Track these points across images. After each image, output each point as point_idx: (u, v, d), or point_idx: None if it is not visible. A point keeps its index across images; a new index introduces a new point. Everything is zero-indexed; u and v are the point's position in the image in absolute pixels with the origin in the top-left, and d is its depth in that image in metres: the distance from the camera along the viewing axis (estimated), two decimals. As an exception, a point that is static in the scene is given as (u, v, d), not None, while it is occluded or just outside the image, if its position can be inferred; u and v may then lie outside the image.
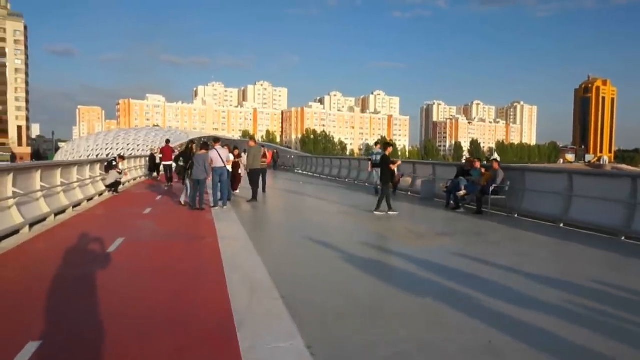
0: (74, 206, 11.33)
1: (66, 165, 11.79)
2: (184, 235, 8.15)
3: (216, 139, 12.30)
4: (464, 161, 13.24)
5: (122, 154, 19.15)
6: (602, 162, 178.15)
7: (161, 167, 23.04)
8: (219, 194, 11.48)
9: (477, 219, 10.27)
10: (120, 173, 16.05)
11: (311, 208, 13.07)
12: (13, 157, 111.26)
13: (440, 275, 5.43)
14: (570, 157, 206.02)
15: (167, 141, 20.10)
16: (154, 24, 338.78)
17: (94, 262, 6.11)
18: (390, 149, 11.91)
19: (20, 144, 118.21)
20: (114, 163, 16.11)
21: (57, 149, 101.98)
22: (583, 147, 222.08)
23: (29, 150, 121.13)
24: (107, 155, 67.72)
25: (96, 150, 67.20)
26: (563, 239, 8.04)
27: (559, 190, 9.89)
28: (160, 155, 21.79)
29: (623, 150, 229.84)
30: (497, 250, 7.20)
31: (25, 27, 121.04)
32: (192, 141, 12.46)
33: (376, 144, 18.98)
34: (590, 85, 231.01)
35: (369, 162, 17.15)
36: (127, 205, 12.79)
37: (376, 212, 10.67)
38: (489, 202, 10.85)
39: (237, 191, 13.85)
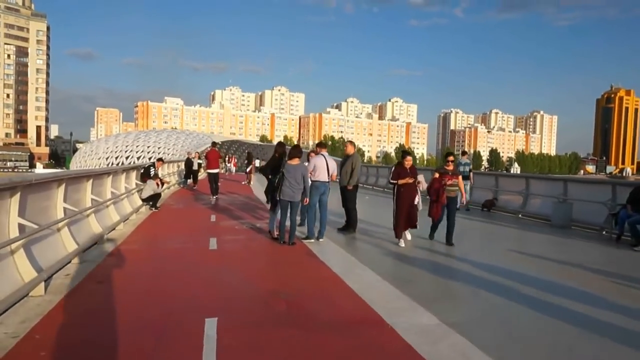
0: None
1: (97, 175, 8.42)
2: (318, 307, 4.58)
3: (321, 144, 8.72)
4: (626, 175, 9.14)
5: (161, 157, 15.60)
6: (624, 174, 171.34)
7: (200, 175, 19.81)
8: (316, 220, 8.02)
9: None
10: (160, 184, 12.71)
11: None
12: (31, 157, 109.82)
13: None
14: (591, 168, 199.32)
15: (214, 144, 16.38)
16: (174, 29, 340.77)
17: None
18: None
19: (38, 144, 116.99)
20: (152, 170, 12.76)
21: (75, 150, 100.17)
22: (604, 158, 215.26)
23: (47, 150, 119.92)
24: (127, 157, 65.11)
25: (115, 152, 64.64)
26: None
27: None
28: (200, 161, 18.50)
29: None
30: None
31: (48, 28, 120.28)
32: (280, 144, 8.66)
33: (463, 153, 15.43)
34: (613, 95, 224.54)
35: None
36: (179, 231, 9.25)
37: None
38: None
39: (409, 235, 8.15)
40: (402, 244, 7.74)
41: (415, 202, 7.82)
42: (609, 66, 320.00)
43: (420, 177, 7.91)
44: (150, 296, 4.88)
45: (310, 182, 7.88)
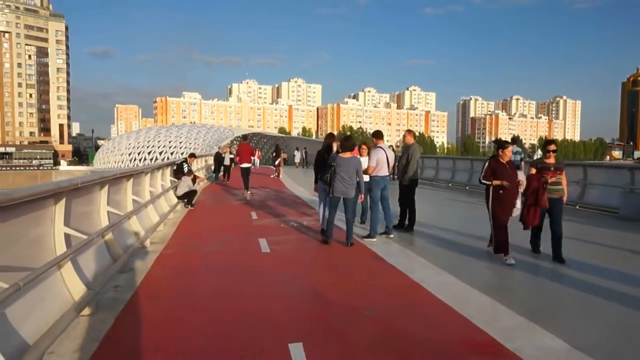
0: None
1: (137, 174, 7.86)
2: (414, 327, 3.89)
3: (378, 134, 7.89)
4: None
5: (193, 152, 15.01)
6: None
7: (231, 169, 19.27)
8: (380, 216, 7.31)
9: None
10: (194, 180, 12.18)
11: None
12: (55, 155, 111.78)
13: None
14: (617, 153, 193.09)
15: (244, 137, 16.05)
16: (186, 24, 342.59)
17: None
18: None
19: (61, 141, 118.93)
20: (185, 166, 12.23)
21: (97, 147, 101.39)
22: (631, 142, 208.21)
23: (70, 147, 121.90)
24: (149, 153, 65.38)
25: (137, 148, 64.97)
26: None
27: None
28: (232, 156, 17.97)
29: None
30: None
31: (67, 28, 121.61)
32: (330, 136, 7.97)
33: (513, 141, 14.44)
34: (639, 78, 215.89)
35: None
36: (223, 231, 8.64)
37: None
38: None
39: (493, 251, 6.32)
40: (510, 261, 5.88)
41: (516, 206, 6.11)
42: (634, 48, 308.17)
43: (522, 175, 6.23)
44: (215, 314, 4.26)
45: (366, 177, 7.16)
